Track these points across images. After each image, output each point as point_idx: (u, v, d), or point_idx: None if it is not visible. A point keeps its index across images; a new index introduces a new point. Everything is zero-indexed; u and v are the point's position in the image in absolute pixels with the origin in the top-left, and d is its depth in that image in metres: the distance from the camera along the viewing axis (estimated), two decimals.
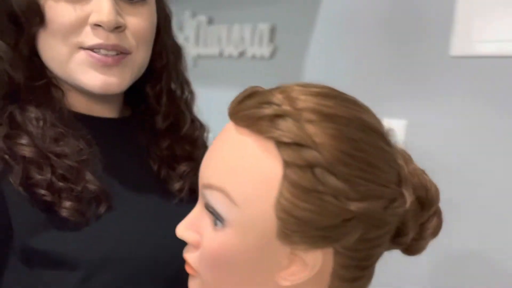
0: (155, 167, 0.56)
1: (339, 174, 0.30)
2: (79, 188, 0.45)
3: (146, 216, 0.51)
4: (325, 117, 0.31)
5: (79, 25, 0.46)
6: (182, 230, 0.36)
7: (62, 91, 0.51)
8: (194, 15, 1.46)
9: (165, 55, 0.58)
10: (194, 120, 0.63)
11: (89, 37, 0.46)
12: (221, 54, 1.40)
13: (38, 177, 0.44)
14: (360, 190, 0.30)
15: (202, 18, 1.43)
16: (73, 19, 0.46)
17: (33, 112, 0.47)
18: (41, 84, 0.49)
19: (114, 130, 0.55)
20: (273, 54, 1.25)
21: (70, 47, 0.47)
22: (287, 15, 1.20)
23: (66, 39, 0.46)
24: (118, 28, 0.47)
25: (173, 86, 0.60)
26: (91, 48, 0.47)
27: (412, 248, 0.38)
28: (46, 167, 0.45)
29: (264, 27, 1.23)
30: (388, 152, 0.34)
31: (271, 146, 0.30)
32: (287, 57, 1.22)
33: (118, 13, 0.47)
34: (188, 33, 1.48)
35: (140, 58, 0.51)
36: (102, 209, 0.47)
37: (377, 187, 0.31)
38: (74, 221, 0.45)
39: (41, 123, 0.46)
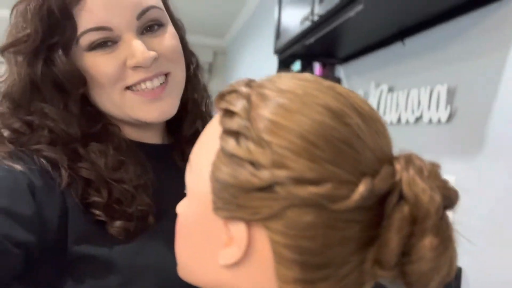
0: None
1: (260, 142, 0.28)
2: (131, 211, 0.48)
3: None
4: (276, 92, 0.31)
5: (121, 71, 0.50)
6: (178, 205, 0.39)
7: (118, 127, 0.54)
8: (377, 85, 1.49)
9: (188, 65, 0.60)
10: None
11: (132, 77, 0.50)
12: (399, 121, 1.35)
13: (96, 199, 0.47)
14: (277, 160, 0.28)
15: (384, 87, 1.44)
16: (114, 69, 0.49)
17: (95, 146, 0.50)
18: (98, 128, 0.52)
19: (160, 154, 0.59)
20: (450, 118, 1.12)
21: (119, 91, 0.50)
22: (467, 76, 1.08)
23: (113, 86, 0.50)
24: (153, 60, 0.50)
25: (195, 94, 0.62)
26: (136, 84, 0.50)
27: (408, 275, 0.29)
28: (103, 190, 0.48)
29: (441, 89, 1.14)
30: (343, 134, 0.29)
31: (219, 117, 0.33)
32: (467, 121, 1.07)
33: (148, 47, 0.49)
34: (371, 103, 1.51)
35: (179, 73, 0.55)
36: (149, 226, 0.50)
37: (305, 162, 0.28)
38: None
39: (103, 154, 0.50)
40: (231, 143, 0.30)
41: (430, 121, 1.19)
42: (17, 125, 0.50)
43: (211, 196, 0.32)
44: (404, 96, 1.32)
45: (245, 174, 0.29)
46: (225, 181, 0.30)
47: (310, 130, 0.29)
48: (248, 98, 0.31)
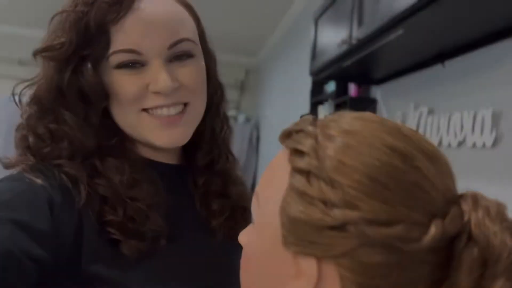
0: (198, 209, 0.59)
1: (331, 182, 0.30)
2: (144, 229, 0.49)
3: (194, 254, 0.55)
4: (342, 133, 0.32)
5: (141, 94, 0.51)
6: (241, 235, 0.41)
7: (134, 144, 0.56)
8: (416, 107, 1.48)
9: (212, 95, 0.61)
10: (228, 155, 0.65)
11: (151, 101, 0.52)
12: (440, 144, 1.33)
13: (111, 217, 0.48)
14: (348, 200, 0.29)
15: (424, 109, 1.42)
16: (136, 90, 0.51)
17: (112, 163, 0.51)
18: (115, 141, 0.54)
19: (173, 175, 0.60)
20: (496, 143, 1.10)
21: (136, 112, 0.52)
22: None
23: (131, 106, 0.52)
24: (174, 90, 0.52)
25: (214, 124, 0.62)
26: (153, 108, 0.52)
27: None
28: (119, 208, 0.49)
29: (486, 113, 1.12)
30: (413, 177, 0.30)
31: (288, 155, 0.34)
32: None
33: (172, 76, 0.51)
34: (410, 125, 1.50)
35: (198, 105, 0.56)
36: (160, 246, 0.51)
37: (376, 203, 0.29)
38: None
39: (119, 171, 0.51)
40: (302, 182, 0.31)
41: (474, 145, 1.16)
42: (40, 130, 0.51)
43: (280, 230, 0.33)
44: (446, 119, 1.30)
45: (317, 212, 0.30)
46: (297, 217, 0.31)
47: (380, 171, 0.30)
48: (315, 138, 0.33)
